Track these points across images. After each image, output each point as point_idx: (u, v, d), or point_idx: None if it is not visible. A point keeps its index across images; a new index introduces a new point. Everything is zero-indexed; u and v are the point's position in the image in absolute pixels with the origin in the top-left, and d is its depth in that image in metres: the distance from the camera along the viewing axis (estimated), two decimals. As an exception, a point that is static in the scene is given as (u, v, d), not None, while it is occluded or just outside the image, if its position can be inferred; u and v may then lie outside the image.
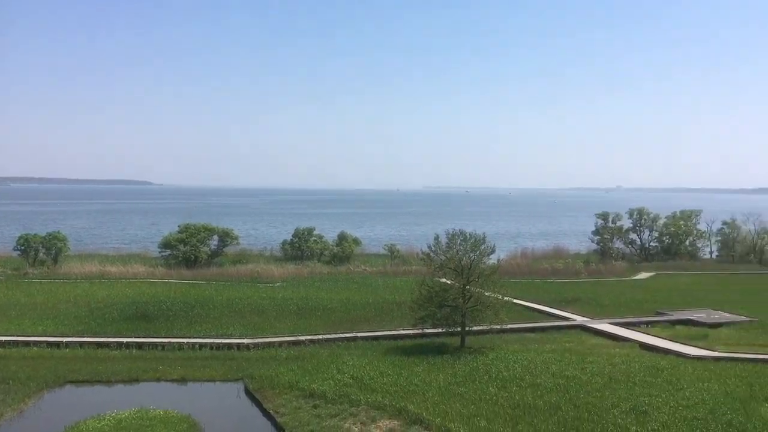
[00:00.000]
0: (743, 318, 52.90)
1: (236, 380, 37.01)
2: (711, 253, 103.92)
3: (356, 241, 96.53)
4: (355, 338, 45.66)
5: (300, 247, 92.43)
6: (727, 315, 54.19)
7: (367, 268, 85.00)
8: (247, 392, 35.15)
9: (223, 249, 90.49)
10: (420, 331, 45.25)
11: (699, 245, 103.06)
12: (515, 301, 53.82)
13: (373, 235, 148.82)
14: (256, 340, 44.61)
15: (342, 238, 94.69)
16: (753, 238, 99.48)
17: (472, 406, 30.31)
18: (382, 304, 57.50)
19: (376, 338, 45.93)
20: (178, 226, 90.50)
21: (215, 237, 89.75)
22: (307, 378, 35.06)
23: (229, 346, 43.60)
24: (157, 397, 33.84)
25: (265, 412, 31.98)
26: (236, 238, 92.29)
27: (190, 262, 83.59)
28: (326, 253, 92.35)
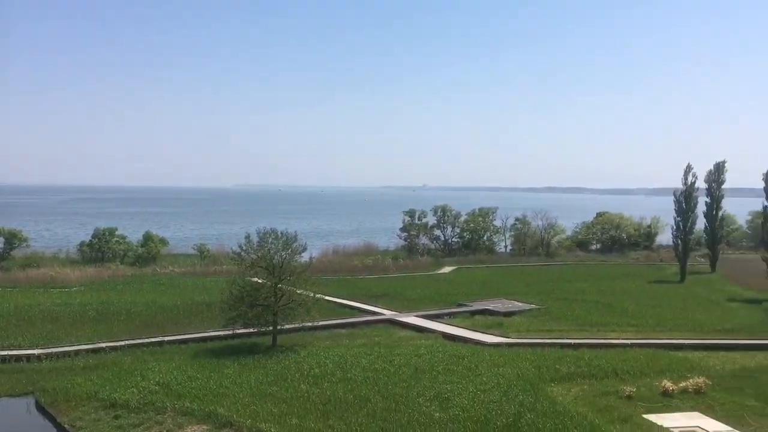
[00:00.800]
0: (533, 306, 57.73)
1: (26, 394, 33.88)
2: (506, 247, 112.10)
3: (163, 241, 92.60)
4: (161, 342, 43.58)
5: (100, 249, 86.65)
6: (519, 304, 58.91)
7: (175, 269, 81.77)
8: (39, 407, 32.30)
9: (10, 252, 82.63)
10: (231, 332, 44.37)
11: (495, 240, 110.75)
12: (327, 298, 54.46)
13: (182, 235, 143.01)
14: (48, 350, 41.02)
15: (147, 238, 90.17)
16: (541, 232, 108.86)
17: (284, 405, 30.21)
18: (191, 306, 55.58)
19: (184, 341, 44.21)
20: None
21: (0, 239, 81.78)
22: (107, 387, 32.90)
23: (18, 358, 39.71)
24: (-72, 420, 30.07)
25: (60, 427, 29.62)
26: (26, 239, 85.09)
27: (-30, 267, 75.28)
28: (130, 254, 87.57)
